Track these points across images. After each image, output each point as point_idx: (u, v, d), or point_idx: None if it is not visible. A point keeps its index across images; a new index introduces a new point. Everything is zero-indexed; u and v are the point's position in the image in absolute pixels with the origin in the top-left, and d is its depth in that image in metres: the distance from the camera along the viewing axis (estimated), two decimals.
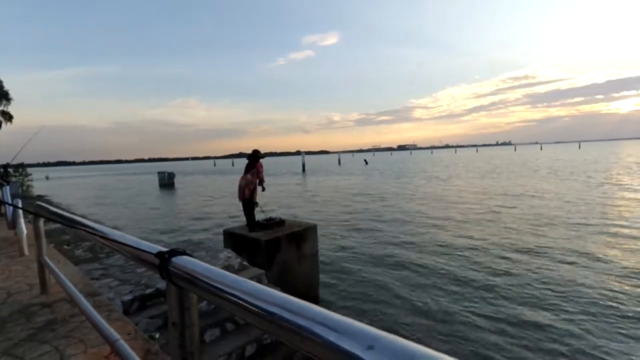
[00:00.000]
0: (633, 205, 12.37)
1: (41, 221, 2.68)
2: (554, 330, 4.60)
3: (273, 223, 6.16)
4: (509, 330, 4.69)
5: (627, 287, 5.71)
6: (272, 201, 17.24)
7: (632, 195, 14.52)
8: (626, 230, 9.07)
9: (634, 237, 8.45)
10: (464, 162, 51.07)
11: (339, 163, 40.24)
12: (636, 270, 6.39)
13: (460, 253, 7.97)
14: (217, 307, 3.59)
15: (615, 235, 8.75)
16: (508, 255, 7.64)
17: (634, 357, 3.99)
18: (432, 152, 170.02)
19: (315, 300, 5.94)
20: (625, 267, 6.56)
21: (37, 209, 2.51)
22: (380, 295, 6.04)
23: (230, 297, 0.63)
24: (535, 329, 4.67)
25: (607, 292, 5.57)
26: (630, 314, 4.87)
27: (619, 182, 18.60)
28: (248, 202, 6.17)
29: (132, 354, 1.27)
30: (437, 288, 6.15)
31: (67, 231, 7.27)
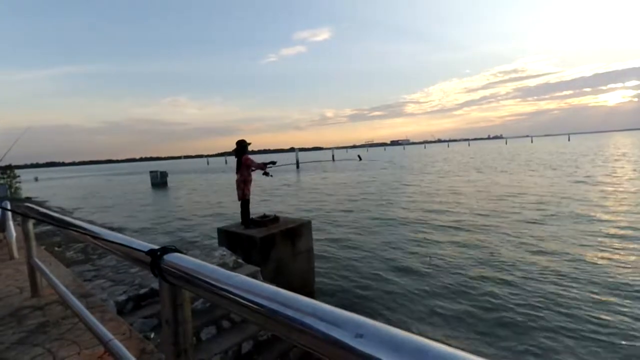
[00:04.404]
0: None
1: (30, 223, 2.64)
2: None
3: (267, 220, 6.15)
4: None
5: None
6: (266, 198, 17.19)
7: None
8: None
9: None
10: (459, 156, 51.59)
11: (333, 159, 40.33)
12: None
13: (461, 247, 8.06)
14: (213, 305, 3.59)
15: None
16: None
17: None
18: (425, 147, 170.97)
19: (311, 295, 5.94)
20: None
21: (26, 210, 2.47)
22: (376, 287, 6.09)
23: (221, 292, 0.63)
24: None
25: None
26: None
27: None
28: (244, 202, 6.26)
29: (127, 353, 1.26)
30: (434, 278, 6.22)
31: (57, 233, 7.17)
